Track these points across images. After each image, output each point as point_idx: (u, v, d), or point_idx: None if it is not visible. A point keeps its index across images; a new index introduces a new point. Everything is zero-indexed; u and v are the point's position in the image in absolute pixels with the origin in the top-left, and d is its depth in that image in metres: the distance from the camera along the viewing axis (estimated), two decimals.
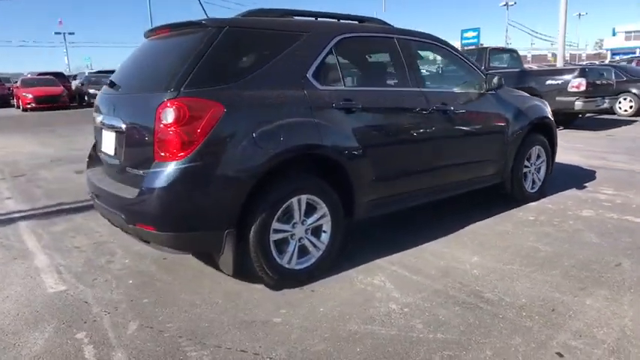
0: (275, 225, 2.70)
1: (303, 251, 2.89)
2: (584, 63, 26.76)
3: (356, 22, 3.45)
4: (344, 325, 2.43)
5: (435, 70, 3.94)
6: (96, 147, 3.39)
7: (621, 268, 3.04)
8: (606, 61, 34.39)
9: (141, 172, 2.57)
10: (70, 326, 2.46)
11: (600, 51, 62.66)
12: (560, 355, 2.15)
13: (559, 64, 14.55)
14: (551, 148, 4.67)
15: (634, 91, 11.41)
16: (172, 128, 2.41)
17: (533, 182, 4.57)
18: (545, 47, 63.47)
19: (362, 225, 3.35)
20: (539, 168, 4.60)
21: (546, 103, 4.74)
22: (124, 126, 2.71)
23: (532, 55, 56.00)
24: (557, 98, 8.76)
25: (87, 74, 25.49)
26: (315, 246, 2.92)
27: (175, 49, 2.82)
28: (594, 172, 5.77)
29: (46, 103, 19.38)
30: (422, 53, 3.69)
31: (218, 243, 2.56)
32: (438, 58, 3.97)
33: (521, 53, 13.83)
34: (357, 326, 2.42)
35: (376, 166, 3.12)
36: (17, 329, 2.45)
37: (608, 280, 2.88)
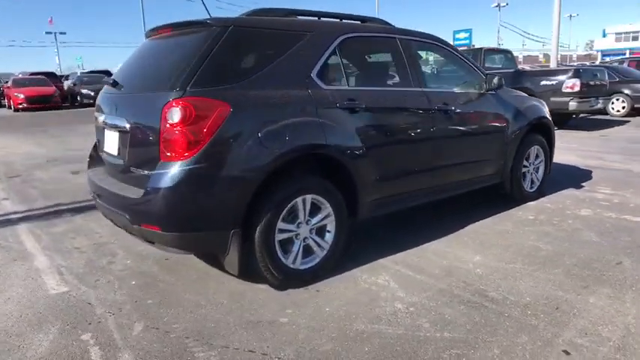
0: (280, 225, 2.70)
1: (307, 251, 2.89)
2: (575, 64, 27.00)
3: (358, 22, 3.45)
4: (351, 324, 2.43)
5: (436, 70, 3.96)
6: (97, 147, 3.37)
7: (622, 267, 3.07)
8: (597, 62, 34.75)
9: (146, 172, 2.55)
10: (75, 327, 2.44)
11: (591, 52, 63.28)
12: (566, 352, 2.17)
13: (552, 65, 14.67)
14: (550, 148, 4.71)
15: (626, 91, 11.53)
16: (178, 128, 2.40)
17: (532, 182, 4.60)
18: (537, 48, 64.12)
19: (364, 225, 3.35)
20: (538, 168, 4.64)
21: (544, 103, 4.77)
22: (128, 126, 2.69)
23: (523, 56, 56.46)
24: (552, 99, 8.82)
25: (79, 74, 25.30)
26: (319, 246, 2.92)
27: (179, 48, 2.80)
28: (591, 171, 5.82)
29: (38, 104, 19.22)
30: (423, 53, 3.70)
31: (224, 243, 2.55)
32: (439, 58, 3.98)
33: None
34: (364, 326, 2.42)
35: (379, 165, 3.12)
36: (21, 331, 2.42)
37: (610, 278, 2.91)
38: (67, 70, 41.26)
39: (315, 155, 2.83)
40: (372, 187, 3.11)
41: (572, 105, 8.87)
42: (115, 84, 2.94)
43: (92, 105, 18.87)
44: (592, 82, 9.31)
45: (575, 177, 5.52)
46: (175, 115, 2.40)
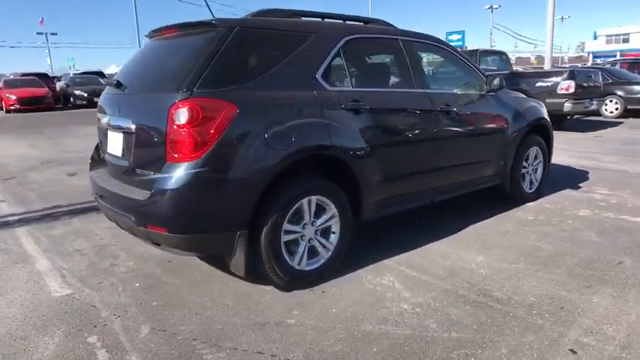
0: (286, 226, 2.70)
1: (312, 252, 2.89)
2: (567, 65, 27.24)
3: (361, 24, 3.47)
4: (358, 325, 2.44)
5: (437, 72, 3.98)
6: (99, 148, 3.35)
7: (623, 267, 3.10)
8: (588, 64, 35.05)
9: (152, 173, 2.54)
10: (81, 330, 2.43)
11: (582, 54, 63.83)
12: (573, 351, 2.18)
13: (547, 67, 14.81)
14: (548, 149, 4.75)
15: (619, 93, 11.66)
16: (185, 129, 2.39)
17: (531, 183, 4.63)
18: (529, 50, 64.60)
19: (366, 226, 3.36)
20: (537, 169, 4.67)
21: (542, 104, 4.81)
22: (133, 127, 2.67)
23: (515, 58, 56.84)
24: (547, 100, 8.87)
25: (72, 75, 25.11)
26: (324, 247, 2.92)
27: (185, 49, 2.80)
28: (587, 172, 5.87)
29: (31, 105, 19.02)
30: (425, 54, 3.72)
31: (230, 244, 2.54)
32: (441, 59, 4.01)
33: None
34: (372, 326, 2.42)
35: (383, 166, 3.14)
36: (26, 334, 2.40)
37: (612, 278, 2.94)
38: (59, 71, 40.93)
39: (320, 156, 2.83)
40: (376, 188, 3.12)
41: (567, 106, 8.95)
42: (118, 85, 2.93)
43: (85, 106, 18.74)
44: (586, 84, 9.41)
45: (572, 178, 5.57)
46: (182, 116, 2.39)
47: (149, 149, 2.62)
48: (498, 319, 2.47)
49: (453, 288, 2.84)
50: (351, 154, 2.92)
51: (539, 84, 9.30)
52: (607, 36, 58.07)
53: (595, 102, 9.70)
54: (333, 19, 3.34)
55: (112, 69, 50.03)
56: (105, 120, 2.99)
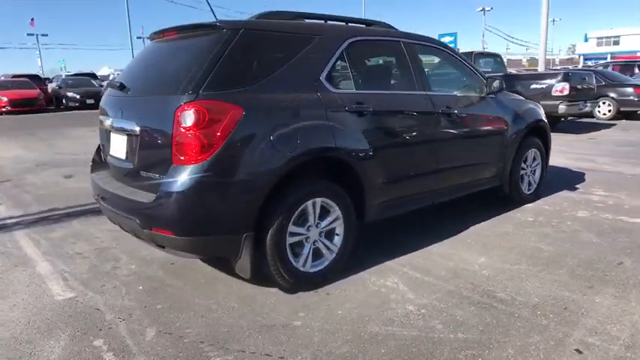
0: (291, 228, 2.70)
1: (317, 254, 2.89)
2: (558, 67, 27.47)
3: (363, 26, 3.48)
4: (364, 327, 2.44)
5: (438, 74, 4.00)
6: (100, 150, 3.33)
7: (624, 267, 3.13)
8: (579, 66, 35.38)
9: (157, 175, 2.53)
10: (86, 333, 2.41)
11: (573, 56, 64.44)
12: (579, 351, 2.21)
13: (541, 69, 14.93)
14: (546, 151, 4.79)
15: (612, 95, 11.79)
16: (191, 131, 2.38)
17: (529, 184, 4.67)
18: (521, 52, 65.07)
19: (368, 228, 3.37)
20: (535, 170, 4.71)
21: (540, 106, 4.86)
22: (137, 129, 2.66)
23: (507, 60, 57.23)
24: (542, 102, 8.88)
25: (64, 77, 24.91)
26: (328, 249, 2.93)
27: (189, 51, 2.79)
28: (583, 174, 5.93)
29: (22, 107, 18.82)
30: (426, 57, 3.75)
31: (236, 246, 2.54)
32: (441, 61, 4.03)
33: None
34: (378, 328, 2.43)
35: (386, 168, 3.15)
36: (31, 338, 2.38)
37: (613, 278, 2.97)
38: (50, 73, 40.48)
39: (325, 158, 2.84)
40: (379, 189, 3.13)
41: (562, 108, 9.03)
42: (122, 87, 2.91)
43: (78, 108, 18.59)
44: (580, 86, 9.50)
45: (569, 179, 5.62)
46: (188, 118, 2.39)
47: (154, 151, 2.62)
48: (503, 320, 2.49)
49: (456, 289, 2.85)
50: (355, 156, 2.93)
51: (533, 86, 9.37)
52: (598, 38, 58.68)
53: (589, 104, 9.80)
54: (336, 21, 3.35)
55: (104, 70, 49.79)
56: (108, 122, 2.97)
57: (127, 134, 2.78)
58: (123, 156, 2.84)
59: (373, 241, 3.64)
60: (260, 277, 2.78)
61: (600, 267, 3.14)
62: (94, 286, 2.96)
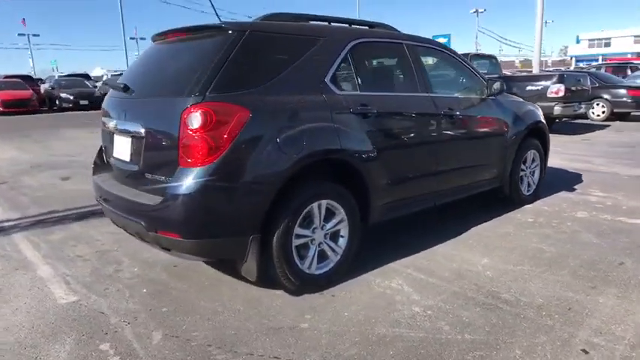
0: (297, 230, 2.70)
1: (321, 256, 2.89)
2: (551, 69, 27.66)
3: (366, 28, 3.49)
4: (372, 328, 2.45)
5: (440, 76, 4.02)
6: (103, 152, 3.31)
7: (625, 267, 3.16)
8: (571, 67, 35.64)
9: (163, 178, 2.52)
10: (92, 337, 2.39)
11: (565, 58, 64.96)
12: (585, 351, 2.22)
13: (535, 71, 15.05)
14: (545, 152, 4.82)
15: (606, 96, 11.90)
16: (198, 133, 2.38)
17: (529, 185, 4.70)
18: (513, 54, 65.44)
19: (371, 229, 3.37)
20: (534, 171, 4.75)
21: (539, 107, 4.89)
22: (142, 131, 2.65)
23: (500, 62, 57.55)
24: (537, 103, 9.01)
25: (57, 77, 24.70)
26: (333, 251, 2.93)
27: (194, 52, 2.78)
28: (580, 175, 5.98)
29: (15, 108, 18.65)
30: (428, 58, 3.76)
31: (242, 249, 2.54)
32: (443, 63, 4.05)
33: None
34: (385, 329, 2.43)
35: (390, 170, 3.16)
36: (35, 342, 2.36)
37: (615, 278, 3.00)
38: (41, 73, 40.09)
39: (330, 160, 2.84)
40: (383, 191, 3.14)
41: (557, 110, 9.11)
42: (127, 88, 2.89)
43: (71, 109, 18.45)
44: (575, 88, 9.58)
45: (566, 180, 5.67)
46: (195, 120, 2.38)
47: (160, 154, 2.60)
48: (509, 321, 2.50)
49: (461, 290, 2.86)
50: (359, 157, 2.93)
51: (529, 87, 9.44)
52: (589, 40, 59.25)
53: (583, 105, 9.88)
54: (339, 22, 3.36)
55: (96, 71, 49.37)
56: (111, 124, 2.95)
57: (132, 136, 2.76)
58: (127, 158, 2.82)
59: (376, 243, 3.64)
60: (265, 279, 2.77)
61: (602, 267, 3.16)
62: (97, 290, 2.94)
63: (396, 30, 3.64)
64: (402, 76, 3.56)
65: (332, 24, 3.29)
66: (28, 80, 23.39)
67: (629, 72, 15.72)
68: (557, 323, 2.47)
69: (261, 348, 2.29)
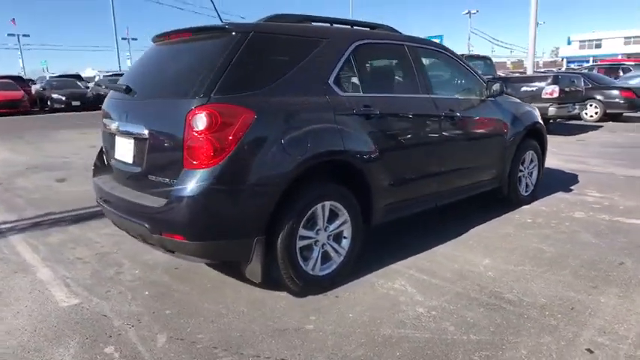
0: (301, 232, 2.70)
1: (325, 257, 2.89)
2: (542, 70, 27.86)
3: (368, 29, 3.49)
4: (377, 329, 2.45)
5: (440, 77, 4.04)
6: (104, 154, 3.28)
7: (625, 267, 3.19)
8: (563, 69, 35.95)
9: (167, 180, 2.50)
10: (95, 340, 2.37)
11: (556, 59, 65.51)
12: (590, 351, 2.24)
13: (529, 72, 15.17)
14: (542, 153, 4.86)
15: (599, 97, 12.01)
16: (203, 135, 2.36)
17: (527, 186, 4.73)
18: (505, 55, 65.92)
19: (373, 230, 3.38)
20: (532, 172, 4.78)
21: (536, 108, 4.93)
22: (145, 132, 2.63)
23: None
24: (532, 104, 9.09)
25: (48, 78, 24.48)
26: (336, 252, 2.93)
27: (197, 54, 2.77)
28: (576, 175, 6.03)
29: (6, 109, 18.41)
30: (428, 60, 3.78)
31: (247, 251, 2.53)
32: (443, 64, 4.06)
33: None
34: (391, 330, 2.44)
35: (392, 171, 3.17)
36: (39, 346, 2.33)
37: (616, 278, 3.02)
38: (31, 74, 39.66)
39: (334, 161, 2.84)
40: (386, 192, 3.14)
41: (552, 110, 9.18)
42: (128, 90, 2.87)
43: (63, 110, 18.26)
44: (569, 89, 9.67)
45: (563, 181, 5.71)
46: (200, 122, 2.37)
47: (164, 155, 2.58)
48: (513, 321, 2.51)
49: (464, 291, 2.87)
50: (363, 158, 2.94)
51: (524, 88, 9.51)
52: (580, 41, 59.81)
53: (577, 106, 9.97)
54: (341, 24, 3.36)
55: (87, 72, 48.99)
56: (113, 125, 2.93)
57: (134, 138, 2.74)
58: (130, 160, 2.80)
59: (378, 244, 3.65)
60: (268, 281, 2.77)
61: (602, 267, 3.19)
62: (98, 292, 2.92)
63: (396, 31, 3.65)
64: (403, 77, 3.57)
65: (334, 25, 3.29)
66: (19, 81, 23.11)
67: (620, 73, 15.89)
68: (561, 323, 2.49)
69: (268, 350, 2.28)
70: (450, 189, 3.76)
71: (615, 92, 11.99)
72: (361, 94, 3.07)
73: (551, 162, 6.76)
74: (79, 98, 19.87)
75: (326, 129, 2.77)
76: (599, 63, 25.03)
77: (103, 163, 3.31)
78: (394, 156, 3.17)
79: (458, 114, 3.68)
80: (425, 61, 3.64)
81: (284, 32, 2.86)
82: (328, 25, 3.26)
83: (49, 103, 20.22)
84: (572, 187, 5.38)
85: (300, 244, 2.71)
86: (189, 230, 2.43)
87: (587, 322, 2.50)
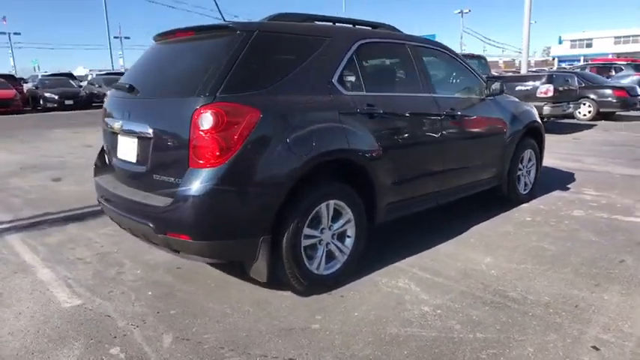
0: (306, 231, 2.69)
1: (329, 256, 2.89)
2: (534, 69, 28.06)
3: (369, 28, 3.49)
4: (384, 328, 2.45)
5: (440, 76, 4.05)
6: (105, 153, 3.25)
7: (626, 265, 3.22)
8: (554, 68, 36.21)
9: (172, 179, 2.49)
10: (100, 341, 2.35)
11: (547, 58, 65.95)
12: (596, 348, 2.25)
13: (523, 71, 15.27)
14: (540, 152, 4.88)
15: (592, 96, 12.11)
16: (209, 134, 2.35)
17: (525, 184, 4.76)
18: (497, 54, 66.17)
19: (374, 229, 3.38)
20: (530, 170, 4.80)
21: (534, 107, 4.95)
22: (150, 131, 2.60)
23: None
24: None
25: (40, 77, 24.25)
26: (340, 251, 2.93)
27: (202, 53, 2.75)
28: (573, 174, 6.07)
29: None
30: (429, 59, 3.78)
31: (253, 250, 2.52)
32: (443, 63, 4.07)
33: None
34: (397, 329, 2.44)
35: (395, 169, 3.17)
36: (43, 347, 2.31)
37: (618, 276, 3.05)
38: (22, 72, 39.29)
39: (338, 160, 2.84)
40: (389, 190, 3.14)
41: (547, 110, 9.25)
42: (132, 89, 2.84)
43: (56, 109, 18.10)
44: (563, 88, 9.73)
45: (560, 179, 5.75)
46: (206, 121, 2.35)
47: (169, 155, 2.56)
48: (518, 319, 2.53)
49: (468, 289, 2.88)
50: (367, 157, 2.93)
51: (518, 88, 9.56)
52: (571, 41, 60.29)
53: (572, 105, 10.04)
54: (344, 23, 3.36)
55: (79, 70, 48.65)
56: (116, 125, 2.89)
57: (138, 137, 2.72)
58: (133, 159, 2.77)
59: (381, 242, 3.65)
60: (273, 280, 2.76)
61: (603, 265, 3.21)
62: (101, 293, 2.89)
63: (398, 30, 3.65)
64: (405, 76, 3.58)
65: (337, 24, 3.28)
66: (11, 79, 22.87)
67: (613, 72, 16.02)
68: (566, 321, 2.50)
69: (275, 349, 2.27)
70: (451, 187, 3.77)
71: (608, 91, 12.09)
72: (364, 93, 3.07)
73: (547, 161, 6.77)
74: (71, 97, 19.71)
75: (331, 128, 2.76)
76: (590, 62, 25.21)
77: (104, 163, 3.28)
78: (397, 154, 3.17)
79: (459, 113, 3.69)
80: (426, 60, 3.65)
81: (288, 31, 2.85)
82: (331, 24, 3.25)
83: (41, 102, 20.03)
84: (569, 186, 5.42)
85: (305, 243, 2.70)
86: (195, 230, 2.41)
87: (592, 319, 2.52)
